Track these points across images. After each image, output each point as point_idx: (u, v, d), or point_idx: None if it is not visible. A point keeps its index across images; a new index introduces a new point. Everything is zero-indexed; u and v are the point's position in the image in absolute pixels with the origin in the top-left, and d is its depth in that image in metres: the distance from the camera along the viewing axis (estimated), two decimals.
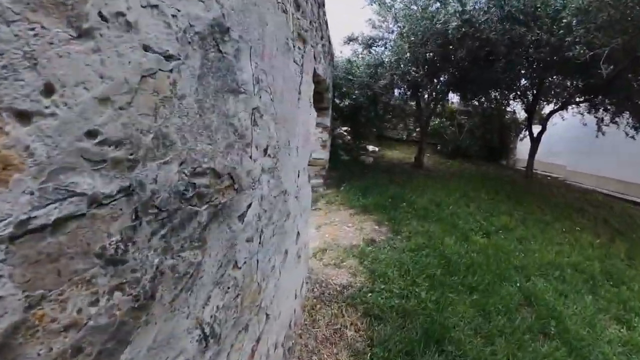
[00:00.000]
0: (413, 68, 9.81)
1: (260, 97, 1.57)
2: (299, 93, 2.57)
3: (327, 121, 8.91)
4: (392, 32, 11.52)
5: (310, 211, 4.92)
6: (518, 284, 4.93)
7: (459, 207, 8.00)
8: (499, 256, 5.64)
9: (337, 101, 11.34)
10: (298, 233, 3.23)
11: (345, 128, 13.64)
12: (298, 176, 2.82)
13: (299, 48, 2.53)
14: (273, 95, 1.77)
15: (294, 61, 2.35)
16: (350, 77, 10.70)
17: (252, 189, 1.60)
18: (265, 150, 1.74)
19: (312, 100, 3.34)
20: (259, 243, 1.81)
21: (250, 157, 1.53)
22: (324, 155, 8.89)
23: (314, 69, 3.64)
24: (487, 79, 10.37)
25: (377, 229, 6.46)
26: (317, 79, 4.96)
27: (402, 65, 9.82)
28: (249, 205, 1.59)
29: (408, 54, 9.75)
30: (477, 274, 4.91)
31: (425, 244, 5.65)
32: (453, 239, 5.98)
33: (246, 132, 1.44)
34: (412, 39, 9.41)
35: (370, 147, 13.88)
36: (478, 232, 6.66)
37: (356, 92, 10.62)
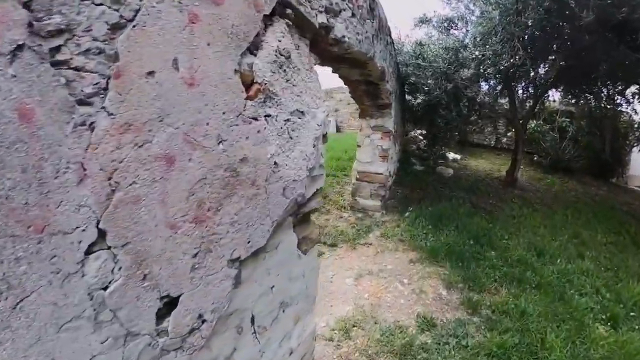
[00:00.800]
0: (507, 50, 7.20)
1: None
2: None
3: (389, 123, 7.00)
4: (472, 11, 9.15)
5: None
6: None
7: (569, 259, 5.77)
8: None
9: (409, 97, 9.27)
10: None
11: (420, 131, 11.49)
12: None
13: None
14: None
15: None
16: (420, 62, 8.35)
17: None
18: None
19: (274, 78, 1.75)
20: None
21: None
22: (383, 168, 7.01)
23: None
24: (617, 64, 7.34)
25: (444, 295, 4.55)
26: (341, 51, 3.11)
27: (492, 45, 7.43)
28: None
29: (500, 29, 7.25)
30: None
31: (515, 343, 3.69)
32: (562, 333, 3.93)
33: None
34: (504, 3, 6.98)
35: (451, 155, 11.57)
36: (598, 315, 4.50)
37: (429, 82, 8.23)
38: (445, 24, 9.25)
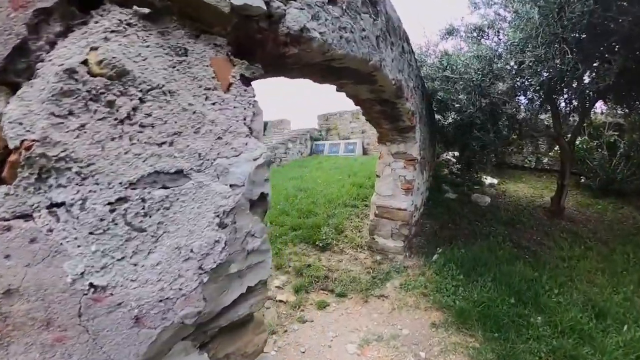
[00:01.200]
0: (551, 55, 5.85)
1: None
2: None
3: (413, 149, 6.01)
4: (504, 17, 7.88)
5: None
6: None
7: (638, 322, 4.62)
8: None
9: (438, 117, 8.25)
10: None
11: (453, 153, 10.32)
12: None
13: None
14: None
15: None
16: (448, 73, 7.22)
17: None
18: None
19: None
20: None
21: None
22: (406, 203, 5.99)
23: None
24: None
25: None
26: (315, 55, 2.19)
27: (532, 50, 6.04)
28: None
29: (541, 30, 5.85)
30: None
31: None
32: None
33: None
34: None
35: (488, 180, 10.42)
36: None
37: (461, 97, 7.16)
38: (475, 34, 8.08)
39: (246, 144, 1.46)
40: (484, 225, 7.35)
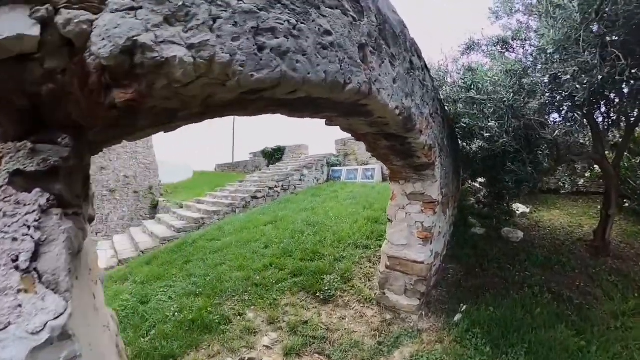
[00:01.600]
0: (597, 61, 4.57)
1: None
2: None
3: (433, 190, 5.09)
4: (528, 25, 6.79)
5: None
6: None
7: None
8: None
9: (463, 144, 7.22)
10: None
11: (480, 180, 9.23)
12: None
13: None
14: None
15: None
16: (473, 94, 6.08)
17: None
18: None
19: None
20: None
21: None
22: (424, 254, 5.08)
23: None
24: None
25: None
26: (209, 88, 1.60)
27: (573, 56, 4.82)
28: None
29: (581, 31, 4.60)
30: None
31: None
32: None
33: None
34: None
35: (520, 209, 9.29)
36: None
37: (490, 123, 5.88)
38: (499, 47, 7.13)
39: (18, 306, 0.81)
40: (516, 270, 6.32)
